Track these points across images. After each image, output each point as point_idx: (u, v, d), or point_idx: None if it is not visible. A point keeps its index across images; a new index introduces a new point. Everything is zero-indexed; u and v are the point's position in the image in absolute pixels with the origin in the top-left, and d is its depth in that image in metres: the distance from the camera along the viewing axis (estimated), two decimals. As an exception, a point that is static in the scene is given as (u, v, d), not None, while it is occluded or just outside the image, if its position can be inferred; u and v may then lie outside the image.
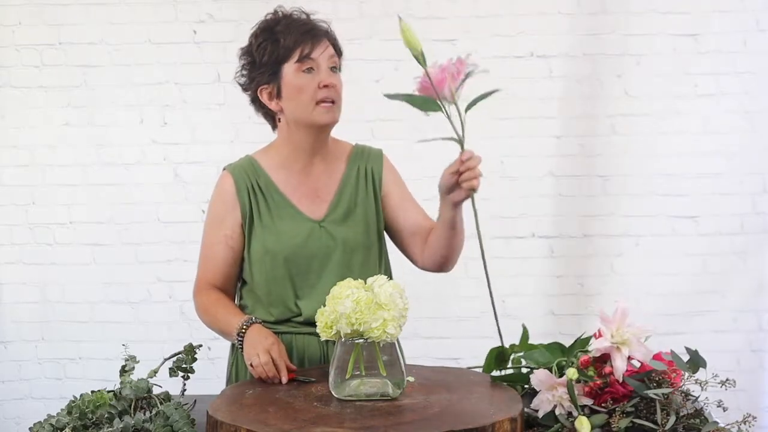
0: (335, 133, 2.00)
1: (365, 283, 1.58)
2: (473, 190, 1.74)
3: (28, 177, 3.51)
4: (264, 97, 1.95)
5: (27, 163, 3.51)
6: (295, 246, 1.90)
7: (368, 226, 1.96)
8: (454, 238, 1.88)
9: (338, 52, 1.95)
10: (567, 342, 1.66)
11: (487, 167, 3.55)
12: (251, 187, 1.96)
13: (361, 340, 1.53)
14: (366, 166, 2.02)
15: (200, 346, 1.78)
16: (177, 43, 3.47)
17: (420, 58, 1.69)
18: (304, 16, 1.94)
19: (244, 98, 3.51)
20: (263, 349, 1.74)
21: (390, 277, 2.01)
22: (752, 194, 3.48)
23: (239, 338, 1.82)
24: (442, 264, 1.96)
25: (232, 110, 3.49)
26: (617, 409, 1.44)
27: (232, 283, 2.01)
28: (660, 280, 3.48)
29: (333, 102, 1.88)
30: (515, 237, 3.50)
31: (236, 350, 2.01)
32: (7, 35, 3.46)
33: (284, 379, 1.69)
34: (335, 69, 1.91)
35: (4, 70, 3.48)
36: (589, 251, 3.50)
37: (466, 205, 1.80)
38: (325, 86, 1.87)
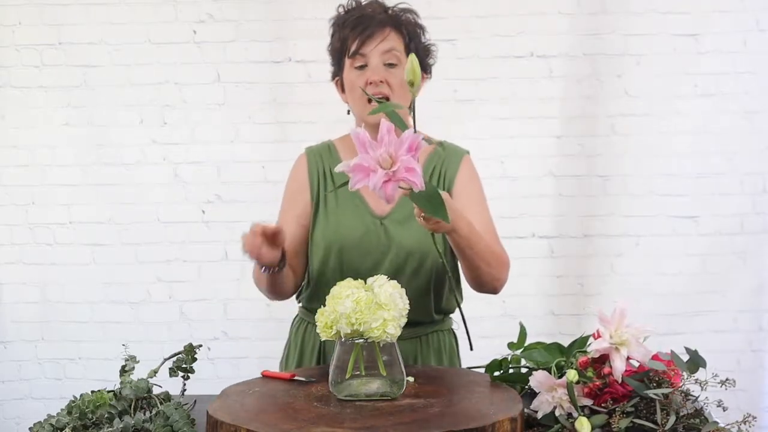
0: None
1: (365, 283, 1.58)
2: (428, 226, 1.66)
3: (28, 177, 3.51)
4: (338, 88, 1.96)
5: (27, 163, 3.51)
6: (350, 240, 1.88)
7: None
8: (464, 258, 1.80)
9: (410, 42, 1.88)
10: (567, 342, 1.66)
11: (487, 167, 3.57)
12: (323, 171, 1.95)
13: (361, 340, 1.53)
14: (443, 166, 1.96)
15: (200, 346, 1.78)
16: (177, 43, 3.47)
17: (412, 89, 1.55)
18: (371, 7, 1.89)
19: (244, 98, 3.56)
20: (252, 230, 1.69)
21: (456, 287, 1.96)
22: (752, 194, 3.48)
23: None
24: (473, 283, 1.89)
25: (232, 110, 3.49)
26: (617, 409, 1.44)
27: (300, 261, 1.96)
28: (660, 280, 3.48)
29: (387, 98, 1.83)
30: (515, 237, 3.49)
31: (292, 330, 2.06)
32: (7, 35, 3.46)
33: (257, 239, 1.65)
34: (392, 65, 1.85)
35: (4, 70, 3.48)
36: (589, 251, 3.50)
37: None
38: (371, 83, 1.83)
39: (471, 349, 1.83)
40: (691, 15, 3.43)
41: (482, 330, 3.39)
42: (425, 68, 1.97)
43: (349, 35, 1.86)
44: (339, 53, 1.91)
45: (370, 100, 1.83)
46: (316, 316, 1.57)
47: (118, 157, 3.50)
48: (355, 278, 1.63)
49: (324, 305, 1.57)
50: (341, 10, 1.92)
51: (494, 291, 1.92)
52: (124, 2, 3.46)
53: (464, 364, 1.97)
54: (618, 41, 3.44)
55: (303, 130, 3.38)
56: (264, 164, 3.46)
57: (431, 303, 1.95)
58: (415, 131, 1.43)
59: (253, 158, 3.49)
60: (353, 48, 1.85)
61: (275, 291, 1.90)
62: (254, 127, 3.50)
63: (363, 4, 1.91)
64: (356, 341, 1.53)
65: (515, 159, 3.48)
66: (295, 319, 2.10)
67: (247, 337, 3.54)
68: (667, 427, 1.39)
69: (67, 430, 1.50)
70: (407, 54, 1.86)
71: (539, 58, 3.46)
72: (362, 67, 1.86)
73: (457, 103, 3.47)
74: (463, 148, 2.04)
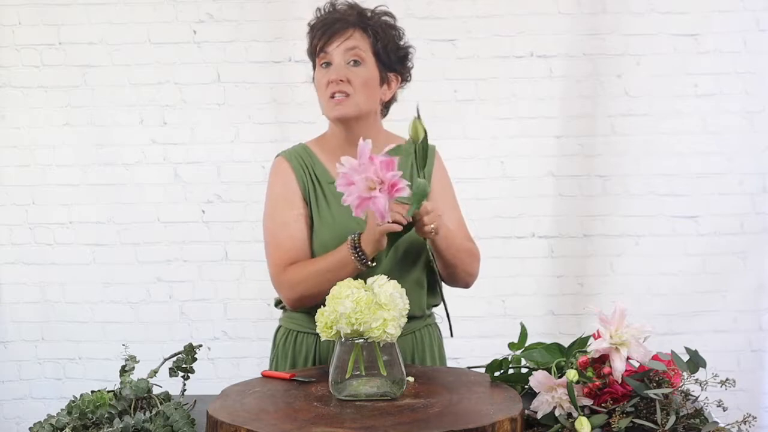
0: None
1: (365, 282, 1.58)
2: (428, 236, 1.77)
3: (28, 177, 3.50)
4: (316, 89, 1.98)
5: (27, 163, 3.50)
6: (347, 238, 1.85)
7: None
8: (441, 257, 1.88)
9: (376, 43, 1.90)
10: (567, 342, 1.66)
11: (487, 167, 3.58)
12: (308, 174, 1.95)
13: (361, 340, 1.53)
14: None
15: (200, 346, 1.78)
16: (177, 43, 3.47)
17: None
18: (342, 8, 1.92)
19: (244, 98, 3.56)
20: (372, 233, 1.75)
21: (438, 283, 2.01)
22: (752, 194, 3.47)
23: (357, 250, 1.78)
24: (448, 280, 1.97)
25: (232, 110, 3.49)
26: (617, 409, 1.44)
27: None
28: (660, 280, 3.48)
29: (347, 95, 1.87)
30: (515, 237, 3.50)
31: (276, 343, 2.03)
32: (7, 35, 3.46)
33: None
34: (356, 63, 1.88)
35: (4, 70, 3.48)
36: (589, 251, 3.50)
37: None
38: (333, 82, 1.86)
39: (452, 335, 1.88)
40: (691, 15, 3.43)
41: (482, 330, 3.42)
42: (400, 70, 1.98)
43: (317, 33, 1.90)
44: (311, 55, 1.95)
45: (332, 96, 1.87)
46: (316, 317, 1.58)
47: (118, 157, 3.50)
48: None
49: (323, 305, 1.57)
50: (318, 13, 1.95)
51: (466, 286, 1.99)
52: (124, 2, 3.46)
53: (461, 364, 1.97)
54: (618, 41, 3.44)
55: (303, 130, 3.35)
56: (264, 164, 3.45)
57: (424, 297, 1.98)
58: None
59: (253, 158, 3.49)
60: (318, 46, 1.89)
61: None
62: (254, 127, 3.50)
63: (338, 6, 1.93)
64: (356, 341, 1.53)
65: (515, 159, 3.48)
66: (278, 331, 2.06)
67: (247, 337, 3.54)
68: (667, 427, 1.39)
69: (67, 430, 1.50)
70: (374, 55, 1.91)
71: (539, 58, 3.46)
72: (327, 65, 1.90)
73: (458, 103, 3.46)
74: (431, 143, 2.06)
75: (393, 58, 1.94)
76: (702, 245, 3.48)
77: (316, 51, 1.91)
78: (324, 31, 1.89)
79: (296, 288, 1.87)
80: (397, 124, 2.04)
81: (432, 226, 1.74)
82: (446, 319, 1.92)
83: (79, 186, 3.51)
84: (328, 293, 1.78)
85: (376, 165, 1.59)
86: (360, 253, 1.77)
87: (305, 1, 3.36)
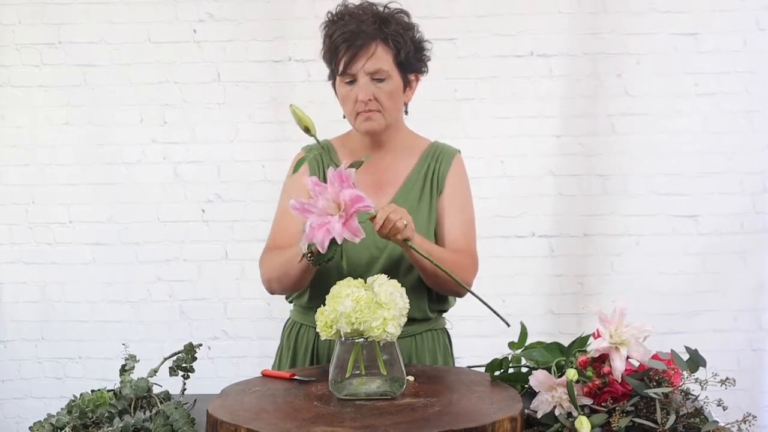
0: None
1: (365, 281, 1.58)
2: (405, 241, 1.72)
3: (28, 177, 3.51)
4: (334, 90, 1.97)
5: (27, 163, 3.51)
6: None
7: (427, 230, 1.92)
8: (422, 271, 1.85)
9: (398, 53, 1.88)
10: (567, 341, 1.66)
11: (487, 167, 3.58)
12: (321, 169, 1.96)
13: (361, 340, 1.53)
14: (436, 165, 1.99)
15: (200, 345, 1.78)
16: (177, 43, 3.47)
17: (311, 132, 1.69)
18: (361, 11, 1.88)
19: (244, 98, 3.56)
20: None
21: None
22: (752, 194, 3.48)
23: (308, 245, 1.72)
24: (435, 288, 1.93)
25: (232, 109, 3.49)
26: (617, 408, 1.44)
27: None
28: (660, 280, 3.48)
29: (377, 111, 1.87)
30: (515, 236, 3.50)
31: (284, 334, 2.05)
32: (7, 35, 3.46)
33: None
34: (380, 80, 1.86)
35: (4, 69, 3.48)
36: (589, 250, 3.50)
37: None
38: (361, 101, 1.86)
39: (508, 325, 1.77)
40: (690, 14, 3.43)
41: (482, 329, 3.41)
42: (419, 68, 1.97)
43: (339, 49, 1.87)
44: (330, 62, 1.93)
45: (358, 113, 1.88)
46: (316, 316, 1.58)
47: (118, 156, 3.50)
48: (354, 272, 1.63)
49: (324, 303, 1.57)
50: (329, 15, 1.92)
51: (458, 295, 1.96)
52: (124, 1, 3.46)
53: (461, 364, 1.97)
54: (618, 41, 3.44)
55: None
56: (264, 163, 3.47)
57: (426, 300, 1.96)
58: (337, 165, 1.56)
59: (253, 157, 3.49)
60: (341, 67, 1.87)
61: (302, 283, 1.87)
62: (254, 127, 3.50)
63: (352, 9, 1.90)
64: (356, 340, 1.53)
65: (515, 158, 3.48)
66: (287, 322, 2.09)
67: (247, 337, 3.54)
68: (666, 427, 1.39)
69: (67, 429, 1.50)
70: (397, 66, 1.89)
71: (539, 57, 3.46)
72: (351, 82, 1.88)
73: (458, 102, 3.47)
74: (455, 147, 2.06)
75: (413, 60, 1.93)
76: (702, 245, 3.48)
77: (338, 69, 1.88)
78: (346, 48, 1.85)
79: (265, 271, 1.92)
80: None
81: (381, 225, 1.66)
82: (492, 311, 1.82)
83: (79, 185, 3.51)
84: (291, 281, 1.84)
85: (322, 186, 1.53)
86: (308, 253, 1.72)
87: (305, 1, 3.37)
